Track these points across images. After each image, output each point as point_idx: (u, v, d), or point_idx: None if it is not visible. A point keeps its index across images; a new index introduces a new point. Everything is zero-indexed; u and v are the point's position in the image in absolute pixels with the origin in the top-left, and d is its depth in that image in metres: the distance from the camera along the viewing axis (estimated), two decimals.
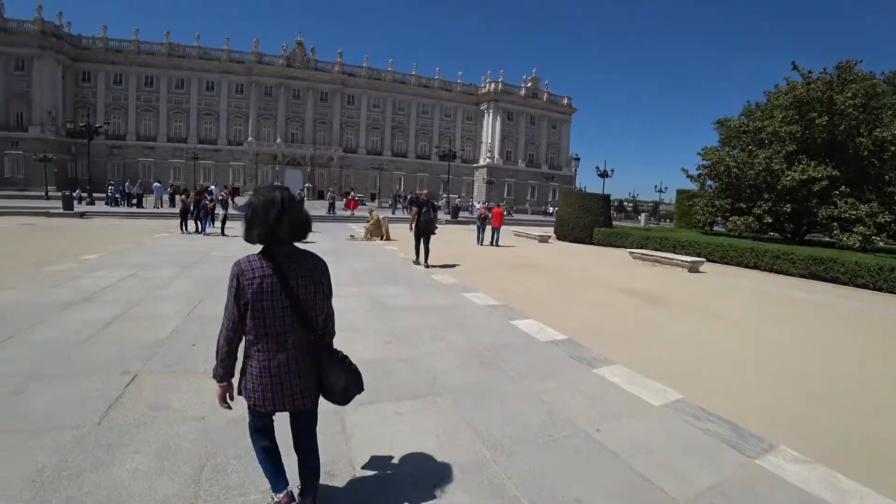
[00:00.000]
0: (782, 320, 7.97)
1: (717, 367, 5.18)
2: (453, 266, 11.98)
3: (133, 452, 2.85)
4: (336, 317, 2.42)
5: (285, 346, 2.02)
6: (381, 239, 16.89)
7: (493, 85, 71.97)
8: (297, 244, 2.11)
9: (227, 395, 2.14)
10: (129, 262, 10.09)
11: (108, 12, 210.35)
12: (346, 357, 2.22)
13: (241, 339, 2.07)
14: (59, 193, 29.80)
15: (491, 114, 72.00)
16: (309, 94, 65.14)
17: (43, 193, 38.30)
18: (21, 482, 2.54)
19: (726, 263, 15.86)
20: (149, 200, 32.14)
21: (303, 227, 2.05)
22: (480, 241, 18.19)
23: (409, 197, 33.96)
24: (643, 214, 55.04)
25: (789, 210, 18.91)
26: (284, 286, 1.98)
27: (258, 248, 2.07)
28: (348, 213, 31.73)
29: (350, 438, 3.17)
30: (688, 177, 23.34)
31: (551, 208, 62.01)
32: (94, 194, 31.64)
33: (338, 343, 2.38)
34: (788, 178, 18.14)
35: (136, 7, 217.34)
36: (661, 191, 59.04)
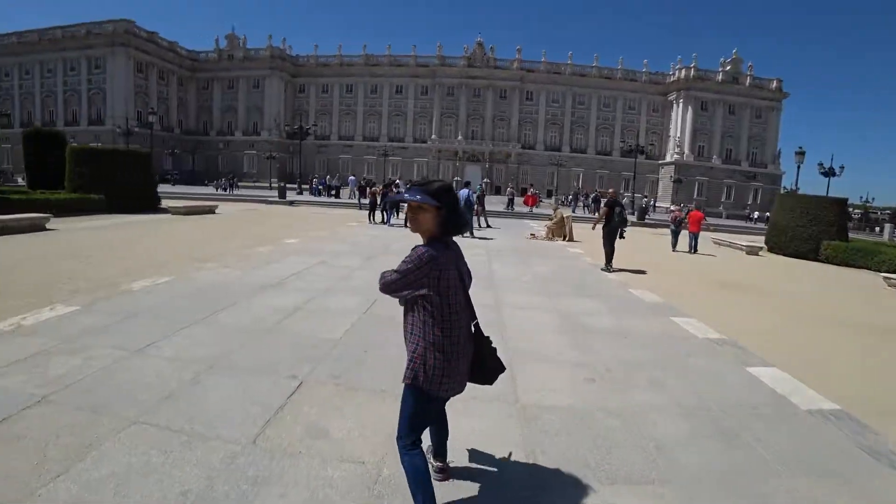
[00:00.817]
0: None
1: None
2: (644, 273, 10.43)
3: (278, 496, 2.28)
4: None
5: (460, 332, 2.06)
6: (564, 239, 15.52)
7: (683, 71, 63.58)
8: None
9: None
10: (321, 248, 10.71)
11: (319, 31, 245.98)
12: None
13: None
14: (277, 184, 35.13)
15: (681, 104, 63.92)
16: (489, 92, 66.30)
17: (268, 184, 46.24)
18: None
19: None
20: (344, 192, 36.00)
21: (467, 221, 2.18)
22: (675, 246, 15.98)
23: (593, 195, 31.81)
24: (888, 226, 42.66)
25: None
26: (458, 274, 2.07)
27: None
28: (527, 209, 31.00)
29: None
30: None
31: (755, 213, 52.49)
32: (303, 186, 36.65)
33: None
34: None
35: (340, 26, 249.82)
36: None
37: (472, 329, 2.17)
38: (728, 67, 64.01)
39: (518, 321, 5.70)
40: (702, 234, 16.77)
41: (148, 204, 19.47)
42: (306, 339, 4.59)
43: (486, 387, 2.39)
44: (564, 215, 16.05)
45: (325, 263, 8.85)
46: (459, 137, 65.89)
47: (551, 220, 16.65)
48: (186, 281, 6.86)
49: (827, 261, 16.20)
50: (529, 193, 33.84)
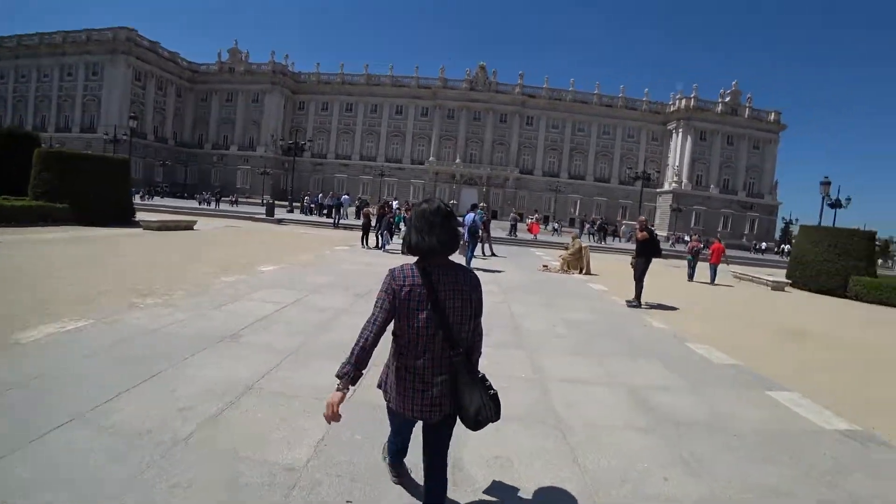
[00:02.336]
0: None
1: None
2: (675, 309, 9.53)
3: None
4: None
5: (423, 356, 1.94)
6: (581, 272, 13.79)
7: (683, 101, 64.22)
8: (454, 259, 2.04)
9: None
10: (301, 280, 8.86)
11: (323, 50, 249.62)
12: (487, 379, 2.04)
13: (379, 340, 1.96)
14: (266, 201, 33.53)
15: (680, 134, 63.95)
16: (489, 116, 65.76)
17: (260, 201, 44.83)
18: None
19: None
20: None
21: (453, 240, 1.98)
22: (691, 277, 15.83)
23: (598, 223, 30.25)
24: None
25: None
26: (431, 297, 1.90)
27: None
28: (531, 237, 29.32)
29: None
30: None
31: (763, 244, 51.88)
32: (294, 204, 35.06)
33: None
34: None
35: (344, 45, 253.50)
36: None
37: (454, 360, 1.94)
38: (727, 99, 64.70)
39: (576, 408, 3.88)
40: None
41: (120, 216, 17.62)
42: (248, 466, 2.65)
43: None
44: (583, 245, 14.30)
45: (303, 303, 7.03)
46: (458, 160, 65.04)
47: (566, 249, 14.95)
48: (108, 327, 4.98)
49: (857, 298, 15.23)
50: (533, 220, 32.18)
